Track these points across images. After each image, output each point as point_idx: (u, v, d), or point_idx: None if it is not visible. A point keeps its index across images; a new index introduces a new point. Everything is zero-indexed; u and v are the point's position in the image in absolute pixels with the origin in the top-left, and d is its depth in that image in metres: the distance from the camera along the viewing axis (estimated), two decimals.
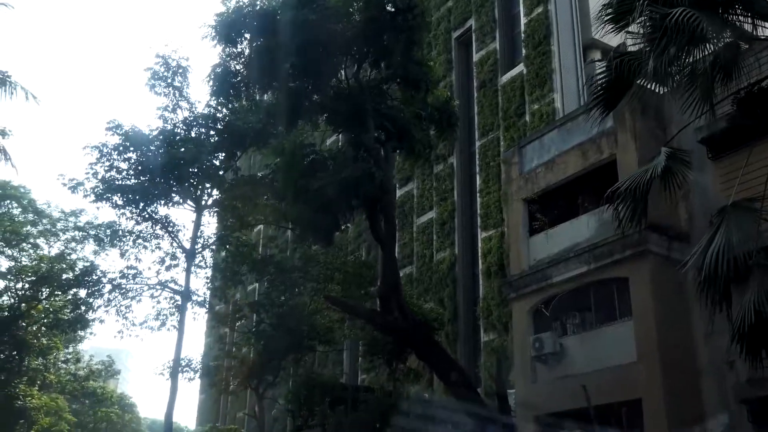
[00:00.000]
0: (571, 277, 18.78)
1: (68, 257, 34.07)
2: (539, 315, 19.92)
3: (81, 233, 33.01)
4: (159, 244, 25.45)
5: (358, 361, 37.31)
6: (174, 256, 25.07)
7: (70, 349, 45.65)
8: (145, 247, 25.31)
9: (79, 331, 29.86)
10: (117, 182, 23.41)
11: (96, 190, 23.41)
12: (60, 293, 30.58)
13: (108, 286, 24.69)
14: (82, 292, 26.12)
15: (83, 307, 25.35)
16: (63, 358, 45.50)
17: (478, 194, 34.56)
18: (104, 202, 23.47)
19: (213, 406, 53.18)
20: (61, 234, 34.48)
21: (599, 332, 18.26)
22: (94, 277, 24.89)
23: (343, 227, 17.41)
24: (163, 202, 24.33)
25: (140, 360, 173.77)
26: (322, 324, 22.45)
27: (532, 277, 19.83)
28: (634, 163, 18.33)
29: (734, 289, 10.22)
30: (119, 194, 23.43)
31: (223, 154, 23.82)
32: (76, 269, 29.59)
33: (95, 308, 25.08)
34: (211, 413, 52.63)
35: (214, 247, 25.09)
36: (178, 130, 23.97)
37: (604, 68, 12.09)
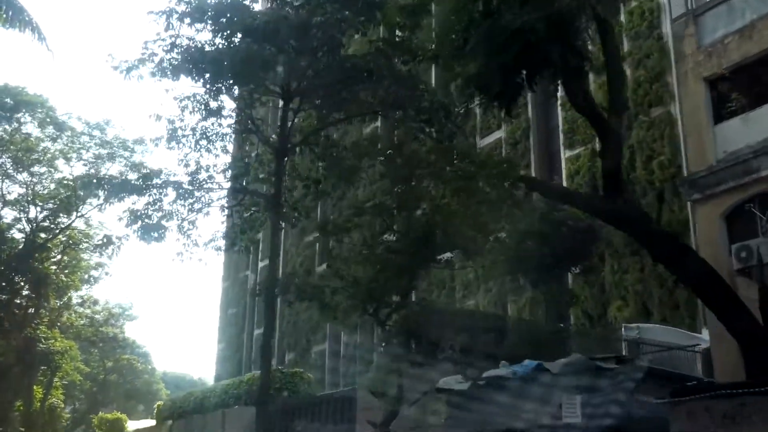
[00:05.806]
0: None
1: (93, 179, 29.17)
2: (734, 219, 15.96)
3: (108, 151, 28.09)
4: (225, 146, 20.55)
5: None
6: (252, 159, 20.25)
7: (83, 292, 41.09)
8: (209, 150, 20.33)
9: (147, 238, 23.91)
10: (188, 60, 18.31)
11: (171, 61, 18.17)
12: (82, 215, 25.73)
13: (172, 195, 19.62)
14: (133, 204, 20.94)
15: (140, 221, 20.39)
16: (78, 301, 40.97)
17: (559, 107, 30.31)
18: (187, 76, 18.27)
19: (234, 356, 48.61)
20: (83, 152, 29.57)
21: None
22: (157, 182, 19.85)
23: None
24: (244, 90, 19.35)
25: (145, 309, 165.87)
26: (462, 232, 17.59)
27: (728, 172, 15.72)
28: None
29: None
30: (202, 65, 18.27)
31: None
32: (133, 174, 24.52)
33: (154, 221, 20.08)
34: (231, 363, 48.06)
35: (305, 146, 19.95)
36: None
37: None
